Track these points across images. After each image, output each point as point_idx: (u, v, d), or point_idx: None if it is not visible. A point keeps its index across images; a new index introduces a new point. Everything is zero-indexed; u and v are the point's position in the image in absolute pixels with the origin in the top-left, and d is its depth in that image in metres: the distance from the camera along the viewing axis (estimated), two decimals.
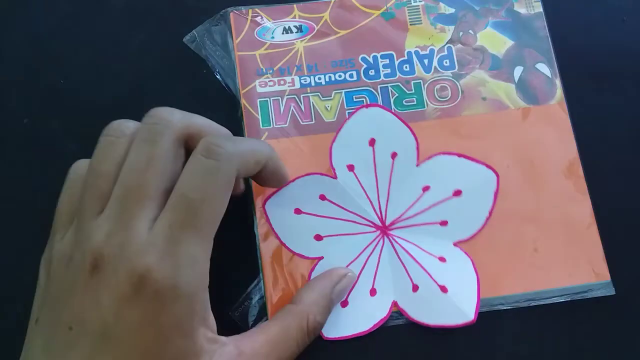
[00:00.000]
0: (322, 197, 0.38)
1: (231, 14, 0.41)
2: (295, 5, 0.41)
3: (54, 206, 0.39)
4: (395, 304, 0.37)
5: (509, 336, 0.37)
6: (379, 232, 0.38)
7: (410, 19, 0.41)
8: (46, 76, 0.42)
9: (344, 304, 0.37)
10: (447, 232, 0.38)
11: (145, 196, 0.29)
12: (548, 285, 0.37)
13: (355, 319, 0.37)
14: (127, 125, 0.32)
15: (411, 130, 0.38)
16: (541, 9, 0.42)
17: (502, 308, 0.37)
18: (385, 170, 0.38)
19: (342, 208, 0.38)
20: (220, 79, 0.41)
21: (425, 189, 0.38)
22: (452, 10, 0.42)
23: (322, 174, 0.38)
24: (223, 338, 0.31)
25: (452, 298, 0.36)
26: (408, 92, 0.40)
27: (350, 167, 0.38)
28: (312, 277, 0.37)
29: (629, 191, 0.39)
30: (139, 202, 0.29)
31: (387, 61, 0.40)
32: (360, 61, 0.40)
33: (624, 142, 0.40)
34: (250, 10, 0.41)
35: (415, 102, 0.40)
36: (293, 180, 0.37)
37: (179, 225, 0.29)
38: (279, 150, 0.38)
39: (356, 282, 0.37)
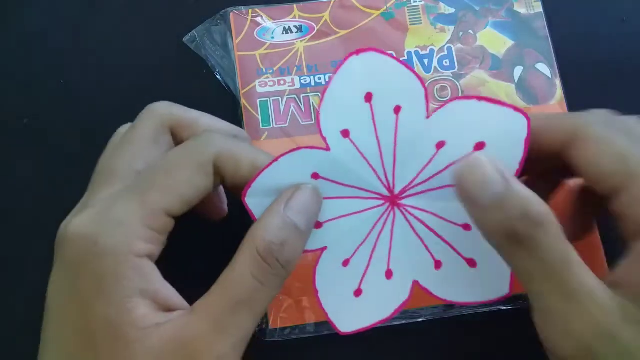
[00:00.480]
0: (316, 176, 0.31)
1: (231, 14, 0.41)
2: (295, 6, 0.41)
3: (54, 206, 0.39)
4: (416, 284, 0.33)
5: (509, 337, 0.37)
6: (387, 204, 0.32)
7: (410, 19, 0.41)
8: (46, 76, 0.42)
9: (358, 292, 0.32)
10: None
11: (111, 175, 0.29)
12: None
13: (372, 307, 0.33)
14: (125, 126, 0.33)
15: (417, 75, 0.30)
16: (541, 9, 0.42)
17: (502, 308, 0.37)
18: (389, 130, 0.31)
19: (341, 184, 0.31)
20: (220, 79, 0.41)
21: (440, 145, 0.31)
22: (452, 10, 0.42)
23: (310, 147, 0.30)
24: (175, 313, 0.28)
25: (482, 272, 0.32)
26: None
27: (345, 133, 0.31)
28: (317, 273, 0.32)
29: None
30: (104, 181, 0.30)
31: None
32: None
33: None
34: (250, 11, 0.41)
35: None
36: (277, 159, 0.30)
37: (125, 189, 0.29)
38: (279, 151, 0.38)
39: (368, 265, 0.32)
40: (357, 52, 0.30)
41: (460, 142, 0.30)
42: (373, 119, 0.31)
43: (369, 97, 0.30)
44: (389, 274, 0.33)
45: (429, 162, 0.31)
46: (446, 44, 0.41)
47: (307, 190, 0.30)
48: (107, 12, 0.43)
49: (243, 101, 0.40)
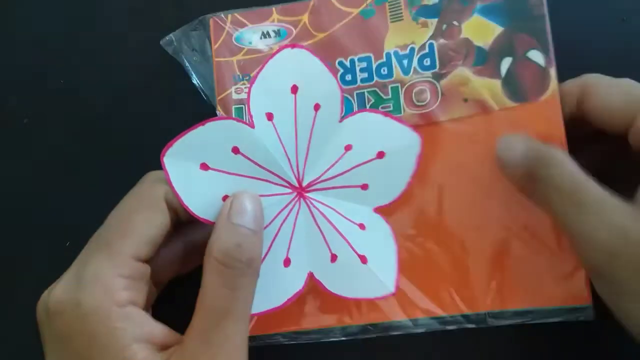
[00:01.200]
0: (236, 150, 0.33)
1: (210, 20, 0.40)
2: (274, 8, 0.40)
3: (53, 206, 0.40)
4: (311, 275, 0.35)
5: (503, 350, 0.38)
6: (295, 194, 0.34)
7: (390, 15, 0.39)
8: (46, 76, 0.43)
9: None
10: (367, 197, 0.35)
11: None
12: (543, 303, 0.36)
13: (266, 293, 0.34)
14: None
15: (337, 80, 0.35)
16: None
17: (507, 323, 0.36)
18: (306, 124, 0.34)
19: (257, 164, 0.33)
20: (196, 84, 0.40)
21: (348, 148, 0.34)
22: (436, 0, 0.39)
23: (237, 120, 0.33)
24: (171, 350, 0.29)
25: (371, 269, 0.35)
26: (385, 97, 0.38)
27: (270, 116, 0.34)
28: None
29: None
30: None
31: (364, 64, 0.39)
32: (337, 66, 0.39)
33: None
34: (229, 16, 0.40)
35: (391, 108, 0.38)
36: (204, 123, 0.32)
37: (90, 245, 0.30)
38: None
39: (269, 250, 0.34)
40: (292, 46, 0.35)
41: (365, 148, 0.34)
42: (295, 110, 0.34)
43: (294, 89, 0.34)
44: (287, 262, 0.34)
45: (337, 161, 0.34)
46: (428, 41, 0.39)
47: (242, 195, 0.31)
48: (107, 12, 0.43)
49: (219, 108, 0.39)
